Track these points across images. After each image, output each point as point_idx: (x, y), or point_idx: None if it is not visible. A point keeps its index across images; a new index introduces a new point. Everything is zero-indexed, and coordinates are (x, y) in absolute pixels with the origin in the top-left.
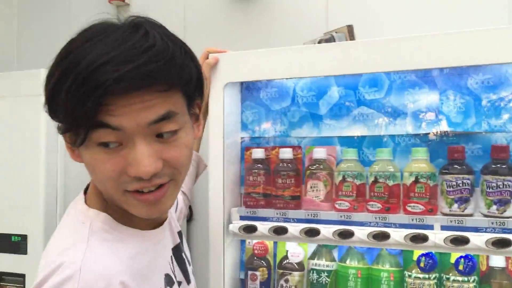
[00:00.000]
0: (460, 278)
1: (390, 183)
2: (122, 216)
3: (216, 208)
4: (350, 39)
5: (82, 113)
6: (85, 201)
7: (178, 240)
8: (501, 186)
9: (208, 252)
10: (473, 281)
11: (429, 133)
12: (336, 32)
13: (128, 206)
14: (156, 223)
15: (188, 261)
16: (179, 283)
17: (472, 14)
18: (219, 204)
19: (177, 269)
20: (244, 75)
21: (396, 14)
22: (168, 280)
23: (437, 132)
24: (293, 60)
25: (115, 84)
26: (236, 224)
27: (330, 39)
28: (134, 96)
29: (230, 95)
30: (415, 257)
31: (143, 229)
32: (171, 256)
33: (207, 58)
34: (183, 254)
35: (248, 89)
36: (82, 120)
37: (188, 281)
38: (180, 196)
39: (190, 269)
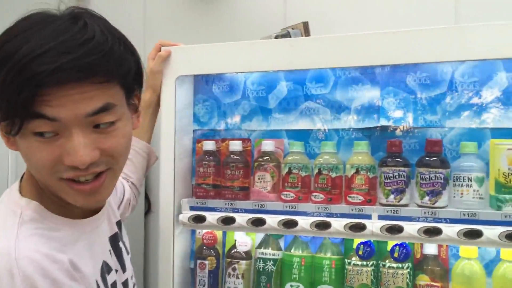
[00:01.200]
0: (395, 265)
1: (333, 175)
2: (56, 205)
3: (167, 199)
4: (306, 35)
5: (18, 103)
6: (20, 190)
7: (116, 230)
8: (433, 178)
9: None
10: (407, 268)
11: (370, 128)
12: (292, 29)
13: (64, 194)
14: (91, 211)
15: (126, 250)
16: (116, 271)
17: (421, 14)
18: (169, 195)
19: (114, 257)
20: (196, 68)
21: (352, 12)
22: (106, 267)
23: (378, 126)
24: (243, 54)
25: (52, 75)
26: (186, 215)
27: (286, 35)
28: (71, 87)
29: (183, 88)
30: (355, 246)
31: (77, 218)
32: (109, 244)
33: (160, 50)
34: (120, 243)
35: (201, 83)
36: (18, 110)
37: (124, 270)
38: (127, 187)
39: (127, 258)
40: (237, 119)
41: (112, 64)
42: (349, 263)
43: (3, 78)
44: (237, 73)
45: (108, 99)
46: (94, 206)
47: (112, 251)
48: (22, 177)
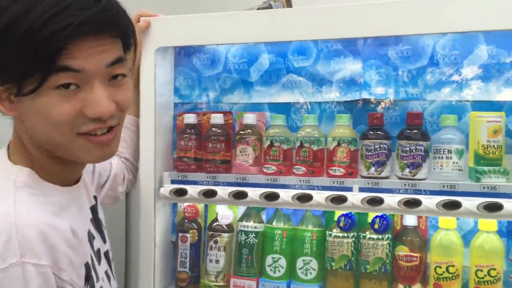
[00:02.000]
0: (375, 236)
1: (315, 147)
2: (45, 172)
3: (148, 172)
4: (288, 7)
5: (42, 58)
6: (8, 158)
7: (94, 202)
8: (413, 151)
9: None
10: (387, 239)
11: (352, 101)
12: (274, 1)
13: (78, 150)
14: (72, 181)
15: (103, 224)
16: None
17: None
18: (150, 168)
19: (95, 227)
20: (176, 40)
21: None
22: (90, 235)
23: (360, 99)
24: (224, 26)
25: (76, 29)
26: (167, 188)
27: (268, 7)
28: (93, 40)
29: (163, 60)
30: (336, 218)
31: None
32: (90, 214)
33: (139, 21)
34: (99, 215)
35: (181, 55)
36: (43, 65)
37: (104, 241)
38: (115, 163)
39: (105, 231)
40: (218, 92)
41: (121, 21)
42: (330, 235)
43: (23, 34)
44: (218, 45)
45: (120, 52)
46: (106, 159)
47: (93, 220)
48: (8, 146)
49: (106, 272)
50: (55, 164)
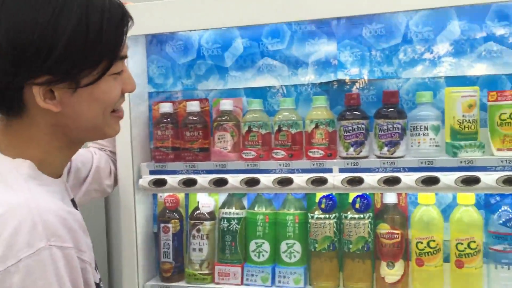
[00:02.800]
0: (356, 216)
1: (293, 131)
2: (45, 164)
3: (125, 164)
4: None
5: (113, 49)
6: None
7: (72, 196)
8: (391, 129)
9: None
10: (368, 218)
11: (328, 82)
12: None
13: (109, 126)
14: (61, 173)
15: None
16: None
17: None
18: (128, 160)
19: None
20: (146, 28)
21: None
22: None
23: (335, 80)
24: (196, 11)
25: (131, 19)
26: (146, 179)
27: None
28: None
29: (135, 50)
30: (317, 200)
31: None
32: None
33: None
34: (78, 209)
35: (153, 43)
36: (112, 54)
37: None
38: (97, 156)
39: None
40: (193, 79)
41: None
42: (312, 217)
43: (99, 32)
44: (190, 31)
45: None
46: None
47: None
48: None
49: None
50: (60, 154)
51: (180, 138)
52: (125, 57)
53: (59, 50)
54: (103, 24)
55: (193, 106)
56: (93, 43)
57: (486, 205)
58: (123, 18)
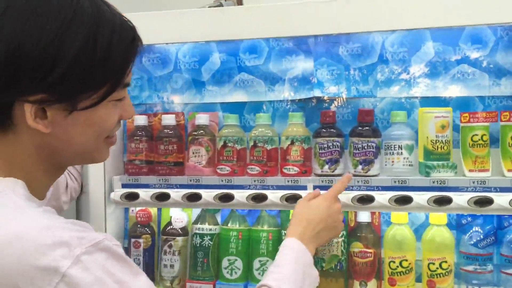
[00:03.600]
0: None
1: (269, 147)
2: (31, 186)
3: (97, 177)
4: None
5: (118, 76)
6: None
7: None
8: (365, 147)
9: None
10: (342, 236)
11: (305, 99)
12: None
13: (100, 152)
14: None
15: None
16: None
17: None
18: (100, 173)
19: None
20: None
21: None
22: None
23: (312, 97)
24: (174, 24)
25: (141, 44)
26: (118, 192)
27: (219, 5)
28: None
29: None
30: (291, 217)
31: None
32: None
33: None
34: None
35: None
36: (116, 81)
37: None
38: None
39: None
40: (169, 92)
41: None
42: (286, 234)
43: (106, 58)
44: (167, 44)
45: None
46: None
47: None
48: None
49: None
50: (45, 178)
51: (154, 151)
52: (128, 84)
53: (61, 68)
54: (112, 45)
55: (168, 120)
56: (99, 65)
57: (457, 225)
58: (133, 42)
